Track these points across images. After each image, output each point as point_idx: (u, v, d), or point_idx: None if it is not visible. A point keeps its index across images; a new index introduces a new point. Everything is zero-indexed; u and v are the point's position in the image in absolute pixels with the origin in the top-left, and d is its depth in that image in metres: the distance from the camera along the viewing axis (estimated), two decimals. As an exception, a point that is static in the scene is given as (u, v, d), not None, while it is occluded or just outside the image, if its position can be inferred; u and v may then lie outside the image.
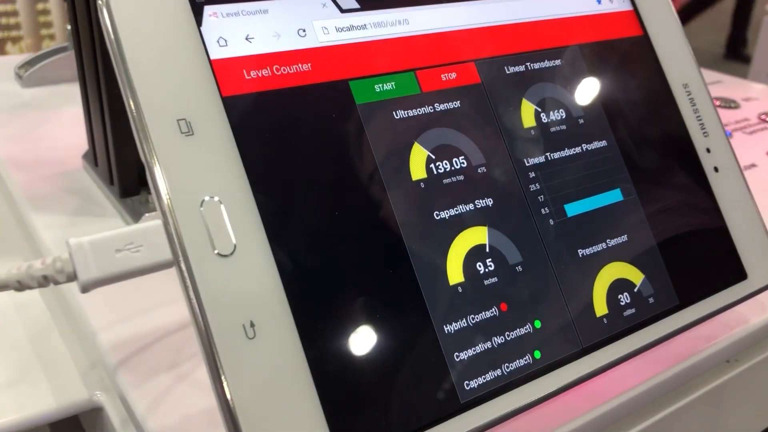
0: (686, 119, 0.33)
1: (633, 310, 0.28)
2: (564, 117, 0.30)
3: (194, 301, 0.21)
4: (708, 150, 0.33)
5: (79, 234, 0.23)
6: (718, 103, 0.64)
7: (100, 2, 0.22)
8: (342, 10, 0.26)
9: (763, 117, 0.61)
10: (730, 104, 0.64)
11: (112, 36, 0.22)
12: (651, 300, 0.29)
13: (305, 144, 0.24)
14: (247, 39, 0.24)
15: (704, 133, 0.33)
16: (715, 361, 0.34)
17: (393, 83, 0.26)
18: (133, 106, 0.22)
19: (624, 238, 0.29)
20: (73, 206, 0.42)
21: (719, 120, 0.34)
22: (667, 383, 0.32)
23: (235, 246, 0.22)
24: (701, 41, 3.22)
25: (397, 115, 0.26)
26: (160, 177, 0.21)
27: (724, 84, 0.70)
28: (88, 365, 0.31)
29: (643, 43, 0.33)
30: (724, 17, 3.48)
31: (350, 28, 0.26)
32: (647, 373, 0.31)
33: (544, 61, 0.30)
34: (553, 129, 0.29)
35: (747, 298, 0.32)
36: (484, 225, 0.26)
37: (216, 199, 0.22)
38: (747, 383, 0.36)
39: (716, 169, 0.33)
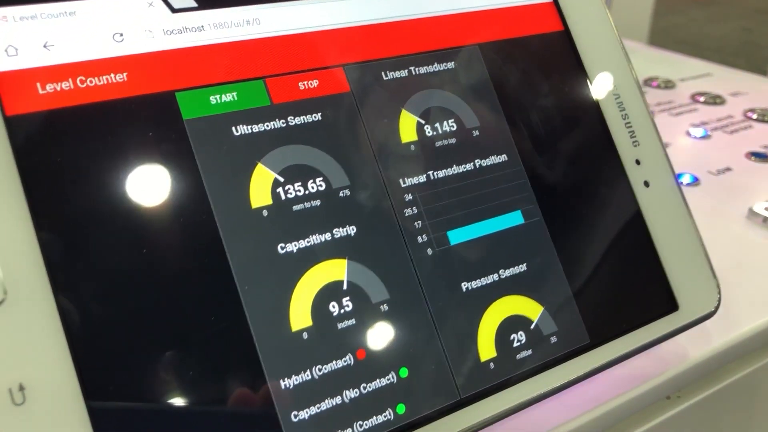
0: (612, 126, 0.29)
1: (528, 352, 0.25)
2: (454, 129, 0.26)
3: (-53, 361, 0.17)
4: (638, 162, 0.29)
5: None
6: (702, 99, 0.59)
7: None
8: (174, 10, 0.22)
9: (748, 114, 0.56)
10: (715, 100, 0.59)
11: None
12: (553, 339, 0.25)
13: (110, 169, 0.20)
14: (45, 46, 0.21)
15: (634, 142, 0.29)
16: (652, 398, 0.30)
17: (234, 94, 0.23)
18: None
19: (522, 267, 0.25)
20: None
21: (654, 126, 0.30)
22: (598, 422, 0.28)
23: (5, 294, 0.18)
24: (729, 28, 3.12)
25: (237, 131, 0.22)
26: None
27: (713, 77, 0.65)
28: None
29: (563, 40, 0.29)
30: (753, 2, 3.37)
31: (182, 30, 0.22)
32: (575, 411, 0.27)
33: (432, 65, 0.26)
34: (438, 143, 0.25)
35: (677, 333, 0.28)
36: (343, 257, 0.23)
37: (-17, 238, 0.18)
38: (691, 421, 0.32)
39: (646, 184, 0.29)
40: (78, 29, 0.21)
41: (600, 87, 0.29)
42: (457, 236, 0.25)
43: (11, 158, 0.19)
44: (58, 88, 0.20)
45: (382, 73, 0.25)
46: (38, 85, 0.20)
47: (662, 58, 0.72)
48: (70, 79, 0.21)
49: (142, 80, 0.21)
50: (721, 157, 0.49)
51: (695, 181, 0.45)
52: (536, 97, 0.28)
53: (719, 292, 0.29)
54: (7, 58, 0.20)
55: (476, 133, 0.26)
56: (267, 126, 0.23)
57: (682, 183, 0.45)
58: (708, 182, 0.45)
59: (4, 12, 0.20)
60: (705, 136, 0.52)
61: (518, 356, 0.24)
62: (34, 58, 0.20)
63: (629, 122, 0.29)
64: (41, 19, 0.21)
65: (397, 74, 0.25)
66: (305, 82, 0.24)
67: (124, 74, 0.21)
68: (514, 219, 0.26)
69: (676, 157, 0.49)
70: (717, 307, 0.29)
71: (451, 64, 0.26)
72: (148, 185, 0.21)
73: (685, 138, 0.53)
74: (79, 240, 0.19)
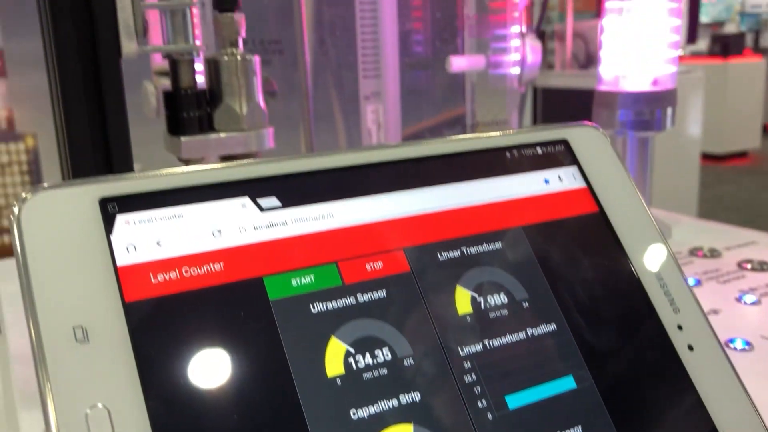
0: (651, 295, 0.31)
1: None
2: (505, 301, 0.29)
3: None
4: (680, 327, 0.31)
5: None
6: (749, 266, 0.61)
7: (12, 216, 0.24)
8: (262, 209, 0.27)
9: (797, 279, 0.57)
10: (762, 267, 0.60)
11: (18, 248, 0.23)
12: (613, 501, 0.26)
13: (208, 346, 0.24)
14: (158, 243, 0.25)
15: (674, 309, 0.31)
16: None
17: (312, 276, 0.26)
18: (30, 316, 0.22)
19: (578, 430, 0.27)
20: None
21: (692, 293, 0.32)
22: None
23: (117, 455, 0.21)
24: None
25: (314, 309, 0.26)
26: (47, 387, 0.21)
27: (759, 245, 0.67)
28: None
29: (599, 220, 0.32)
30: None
31: (270, 225, 0.27)
32: None
33: (482, 245, 0.30)
34: (492, 315, 0.28)
35: (739, 494, 0.28)
36: (410, 422, 0.25)
37: (102, 406, 0.22)
38: None
39: (690, 348, 0.31)
40: (184, 228, 0.25)
41: (637, 259, 0.32)
42: (514, 401, 0.27)
43: (127, 338, 0.23)
44: (167, 278, 0.24)
45: (438, 253, 0.29)
46: (151, 275, 0.24)
47: (706, 229, 0.75)
48: (176, 270, 0.25)
49: (235, 269, 0.25)
50: (774, 322, 0.50)
51: (748, 346, 0.46)
52: (578, 271, 0.31)
53: (777, 453, 0.30)
54: (127, 254, 0.24)
55: (526, 304, 0.29)
56: (339, 303, 0.26)
57: (735, 348, 0.46)
58: (761, 347, 0.46)
59: (128, 218, 0.25)
60: (755, 303, 0.53)
61: None
62: (149, 253, 0.25)
63: (668, 290, 0.32)
64: (155, 221, 0.25)
65: (451, 254, 0.29)
66: (371, 264, 0.27)
67: (221, 264, 0.25)
68: (567, 384, 0.28)
69: (727, 323, 0.50)
70: (776, 469, 0.29)
71: (498, 245, 0.30)
72: (240, 357, 0.24)
73: (736, 304, 0.54)
74: (182, 406, 0.22)
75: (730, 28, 5.58)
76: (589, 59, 2.78)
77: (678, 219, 0.79)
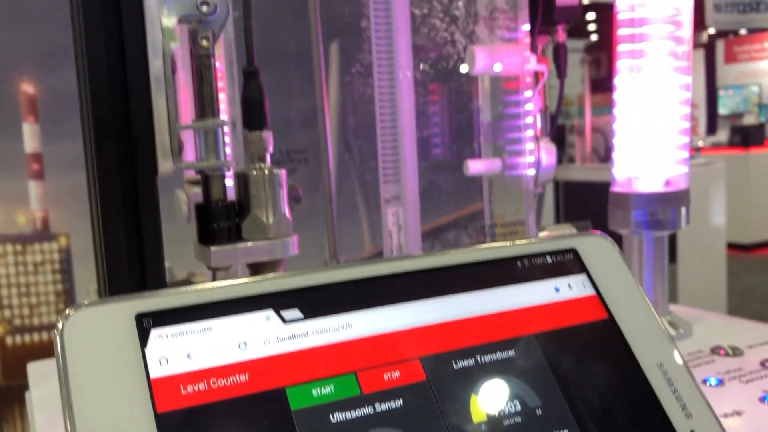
0: (664, 401, 0.32)
1: None
2: (519, 409, 0.30)
3: None
4: (693, 433, 0.32)
5: None
6: (771, 364, 0.61)
7: (55, 331, 0.26)
8: (285, 321, 0.29)
9: (821, 378, 0.57)
10: (785, 365, 0.60)
11: (60, 361, 0.25)
12: None
13: (233, 454, 0.25)
14: (188, 356, 0.27)
15: (686, 414, 0.32)
16: None
17: (332, 386, 0.28)
18: (69, 426, 0.24)
19: None
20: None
21: (704, 398, 0.33)
22: None
23: None
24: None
25: (333, 419, 0.27)
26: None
27: (782, 342, 0.67)
28: None
29: (609, 326, 0.34)
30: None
31: (292, 337, 0.28)
32: None
33: (495, 353, 0.31)
34: (506, 422, 0.29)
35: None
36: None
37: None
38: None
39: (705, 454, 0.31)
40: (213, 341, 0.27)
41: (647, 365, 0.33)
42: None
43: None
44: (196, 389, 0.26)
45: (453, 362, 0.30)
46: (181, 387, 0.26)
47: (728, 325, 0.75)
48: (205, 381, 0.26)
49: (259, 380, 0.27)
50: (798, 423, 0.49)
51: (772, 449, 0.46)
52: (590, 378, 0.32)
53: None
54: (160, 366, 0.26)
55: (539, 411, 0.30)
56: (358, 413, 0.27)
57: (758, 451, 0.45)
58: (785, 450, 0.46)
59: (161, 332, 0.27)
60: (780, 402, 0.53)
61: None
62: (180, 365, 0.26)
63: (679, 395, 0.32)
64: (186, 335, 0.27)
65: (465, 363, 0.30)
66: (389, 374, 0.29)
67: (246, 375, 0.27)
68: (580, 490, 0.28)
69: (751, 425, 0.50)
70: None
71: (511, 352, 0.31)
72: (263, 467, 0.25)
73: (759, 405, 0.54)
74: None
75: (749, 120, 5.65)
76: (608, 153, 2.83)
77: (699, 316, 0.79)
